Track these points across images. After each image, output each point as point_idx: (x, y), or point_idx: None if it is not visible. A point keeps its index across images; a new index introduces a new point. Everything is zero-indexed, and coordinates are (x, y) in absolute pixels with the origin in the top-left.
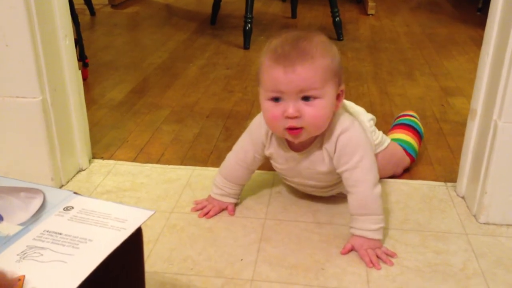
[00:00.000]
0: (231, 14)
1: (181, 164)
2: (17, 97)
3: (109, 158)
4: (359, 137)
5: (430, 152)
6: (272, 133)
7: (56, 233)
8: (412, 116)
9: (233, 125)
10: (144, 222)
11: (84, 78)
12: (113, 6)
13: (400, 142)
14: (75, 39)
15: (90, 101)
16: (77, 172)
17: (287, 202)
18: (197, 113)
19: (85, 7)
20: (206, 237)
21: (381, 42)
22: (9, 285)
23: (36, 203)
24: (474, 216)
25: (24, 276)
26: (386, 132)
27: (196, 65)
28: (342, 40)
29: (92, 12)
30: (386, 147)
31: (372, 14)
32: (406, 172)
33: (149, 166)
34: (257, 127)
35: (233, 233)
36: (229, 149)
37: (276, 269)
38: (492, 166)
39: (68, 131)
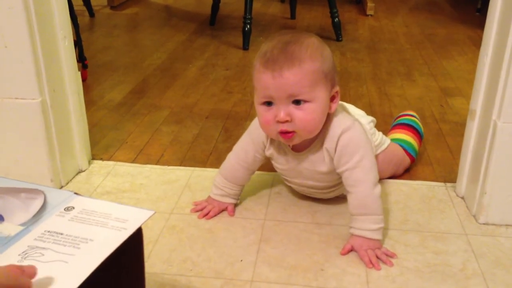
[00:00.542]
0: (230, 15)
1: (180, 165)
2: (16, 98)
3: (109, 159)
4: (359, 137)
5: (430, 153)
6: None
7: (57, 233)
8: (412, 116)
9: (232, 126)
10: (145, 222)
11: (84, 79)
12: (112, 7)
13: (400, 142)
14: (74, 40)
15: (90, 102)
16: (77, 173)
17: (287, 203)
18: (196, 114)
19: (85, 8)
20: (206, 238)
21: (380, 43)
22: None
23: (37, 203)
24: (474, 216)
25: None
26: (386, 132)
27: (196, 66)
28: (341, 40)
29: (91, 14)
30: (386, 148)
31: (371, 15)
32: (405, 173)
33: (148, 167)
34: (257, 127)
35: (232, 234)
36: (228, 150)
37: (275, 270)
38: (492, 166)
39: (67, 132)
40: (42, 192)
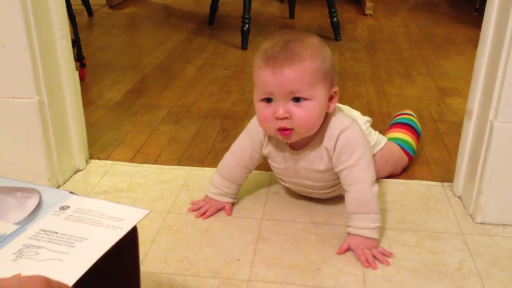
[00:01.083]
0: (229, 14)
1: (178, 165)
2: (14, 97)
3: (106, 158)
4: (358, 136)
5: (427, 152)
6: None
7: (52, 232)
8: (409, 115)
9: (230, 126)
10: (140, 221)
11: (82, 79)
12: (111, 6)
13: (398, 141)
14: (72, 40)
15: (88, 101)
16: (74, 173)
17: (284, 202)
18: (194, 114)
19: (83, 7)
20: (203, 238)
21: (378, 43)
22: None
23: (32, 202)
24: (471, 216)
25: None
26: (383, 132)
27: (194, 66)
28: (339, 40)
29: (90, 13)
30: (383, 147)
31: (370, 15)
32: (403, 172)
33: (146, 166)
34: (255, 126)
35: (229, 234)
36: (226, 149)
37: (272, 269)
38: (488, 166)
39: (65, 131)
40: (37, 191)
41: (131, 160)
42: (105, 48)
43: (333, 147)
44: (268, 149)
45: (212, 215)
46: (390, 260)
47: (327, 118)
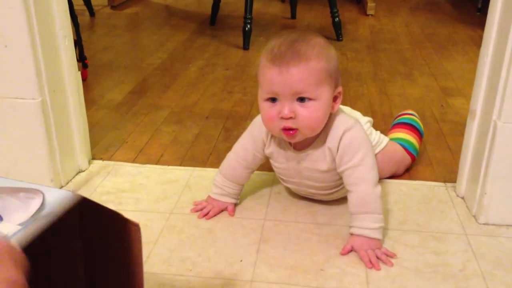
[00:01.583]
0: (230, 14)
1: (180, 165)
2: (16, 98)
3: (109, 159)
4: (361, 136)
5: (430, 153)
6: None
7: None
8: (411, 115)
9: (232, 126)
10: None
11: (84, 79)
12: (113, 7)
13: (401, 141)
14: (74, 40)
15: (90, 102)
16: (77, 173)
17: (287, 203)
18: (196, 114)
19: (85, 8)
20: (206, 238)
21: (380, 43)
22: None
23: (36, 203)
24: (474, 216)
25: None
26: (386, 132)
27: (196, 66)
28: (341, 40)
29: (92, 13)
30: (385, 147)
31: (371, 15)
32: (405, 173)
33: (148, 167)
34: (258, 125)
35: (232, 234)
36: (228, 149)
37: (275, 270)
38: (492, 167)
39: (67, 132)
40: (41, 192)
41: (134, 160)
42: (107, 49)
43: (336, 147)
44: (270, 149)
45: (215, 215)
46: (393, 260)
47: (330, 118)
